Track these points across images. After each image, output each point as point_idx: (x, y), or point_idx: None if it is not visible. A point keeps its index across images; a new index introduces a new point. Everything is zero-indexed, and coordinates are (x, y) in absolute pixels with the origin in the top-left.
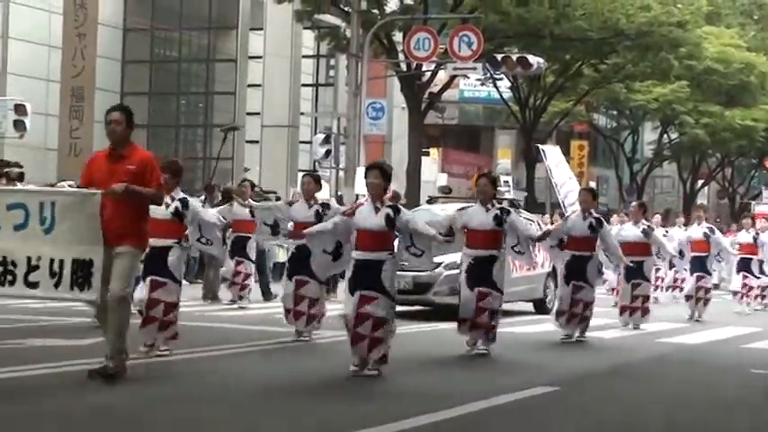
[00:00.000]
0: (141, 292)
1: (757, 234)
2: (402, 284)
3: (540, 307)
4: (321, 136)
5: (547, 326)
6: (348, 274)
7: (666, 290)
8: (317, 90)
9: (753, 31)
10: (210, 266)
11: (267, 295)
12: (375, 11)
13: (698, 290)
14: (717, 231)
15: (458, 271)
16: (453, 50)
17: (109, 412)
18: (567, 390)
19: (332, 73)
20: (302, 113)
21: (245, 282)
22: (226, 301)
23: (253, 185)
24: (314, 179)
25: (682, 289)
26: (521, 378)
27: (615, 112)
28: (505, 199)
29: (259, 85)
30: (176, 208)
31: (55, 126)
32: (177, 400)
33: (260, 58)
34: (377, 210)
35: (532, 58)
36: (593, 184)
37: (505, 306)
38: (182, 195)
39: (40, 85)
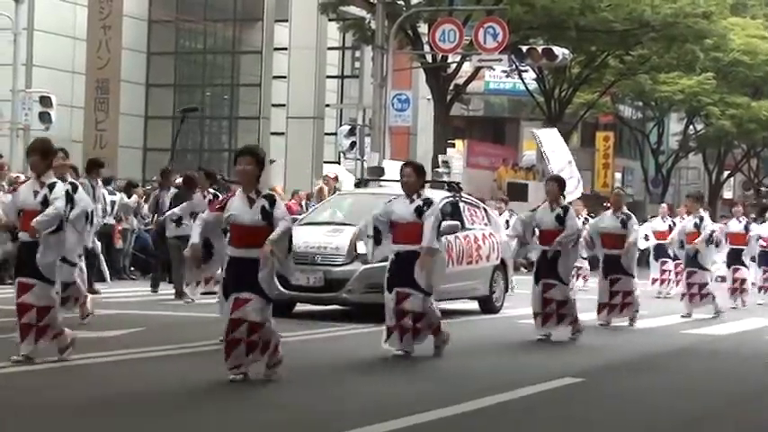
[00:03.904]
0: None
1: (749, 223)
2: (311, 281)
3: (487, 305)
4: (346, 128)
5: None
6: (222, 273)
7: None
8: (342, 82)
9: None
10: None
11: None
12: (400, 2)
13: (690, 286)
14: (706, 216)
15: (377, 265)
16: (478, 42)
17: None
18: (592, 381)
19: (357, 64)
20: (327, 105)
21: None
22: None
23: (209, 174)
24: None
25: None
26: (546, 369)
27: (640, 104)
28: (444, 182)
29: (284, 77)
30: (45, 196)
31: (80, 118)
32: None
33: (285, 49)
34: (251, 201)
35: (558, 50)
36: (618, 176)
37: (447, 305)
38: (52, 180)
39: (66, 77)
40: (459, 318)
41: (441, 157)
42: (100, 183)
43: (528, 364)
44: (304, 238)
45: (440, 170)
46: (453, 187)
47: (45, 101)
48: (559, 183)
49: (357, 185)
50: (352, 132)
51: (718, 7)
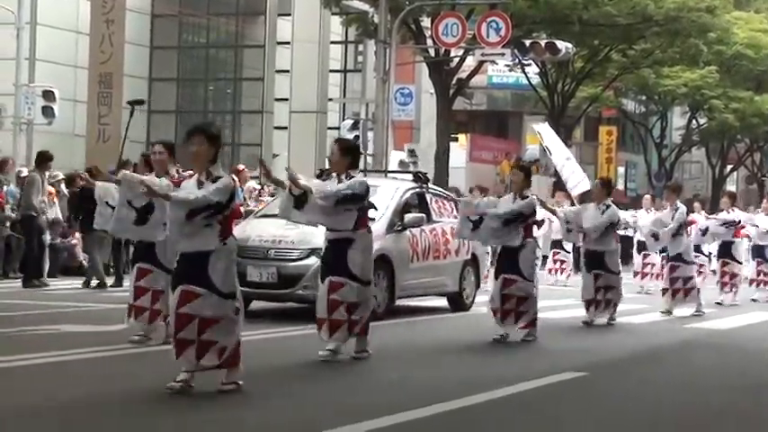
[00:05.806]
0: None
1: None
2: (265, 277)
3: (456, 302)
4: (349, 122)
5: (576, 311)
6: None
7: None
8: (345, 76)
9: None
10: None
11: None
12: None
13: (673, 281)
14: (682, 207)
15: None
16: (481, 36)
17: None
18: (595, 376)
19: (360, 59)
20: (330, 99)
21: None
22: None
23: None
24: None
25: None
26: (550, 363)
27: (644, 98)
28: (410, 172)
29: (287, 71)
30: None
31: (83, 112)
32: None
33: (288, 43)
34: (200, 185)
35: (561, 44)
36: (621, 170)
37: (413, 302)
38: None
39: (69, 71)
40: (434, 315)
41: (406, 146)
42: (47, 176)
43: (528, 359)
44: (257, 231)
45: (405, 159)
46: (419, 177)
47: (48, 95)
48: (525, 172)
49: (319, 176)
50: (355, 126)
51: (721, 1)
